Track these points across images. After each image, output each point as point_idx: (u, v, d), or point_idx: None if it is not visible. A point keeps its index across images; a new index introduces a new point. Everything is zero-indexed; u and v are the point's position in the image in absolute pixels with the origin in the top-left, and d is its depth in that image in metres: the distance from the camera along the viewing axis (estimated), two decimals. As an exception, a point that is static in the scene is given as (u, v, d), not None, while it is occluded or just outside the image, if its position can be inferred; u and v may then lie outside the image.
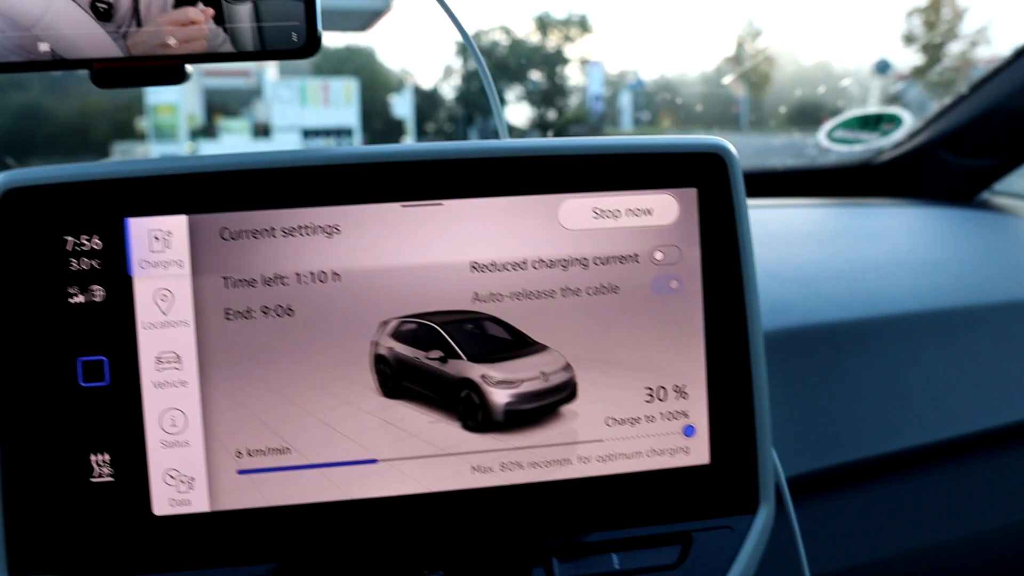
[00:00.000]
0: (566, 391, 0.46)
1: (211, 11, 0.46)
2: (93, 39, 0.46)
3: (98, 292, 0.44)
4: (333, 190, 0.45)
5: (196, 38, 0.47)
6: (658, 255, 0.47)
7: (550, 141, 0.47)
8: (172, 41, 0.47)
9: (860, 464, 0.74)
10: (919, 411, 0.77)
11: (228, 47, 0.47)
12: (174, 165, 0.44)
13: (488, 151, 0.46)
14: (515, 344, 0.46)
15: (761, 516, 0.48)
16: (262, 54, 0.48)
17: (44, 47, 0.46)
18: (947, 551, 0.76)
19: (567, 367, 0.47)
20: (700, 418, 0.48)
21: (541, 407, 0.46)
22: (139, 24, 0.46)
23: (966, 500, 0.77)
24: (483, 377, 0.46)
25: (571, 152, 0.47)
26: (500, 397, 0.46)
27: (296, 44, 0.48)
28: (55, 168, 0.44)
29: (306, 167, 0.45)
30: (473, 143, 0.47)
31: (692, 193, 0.48)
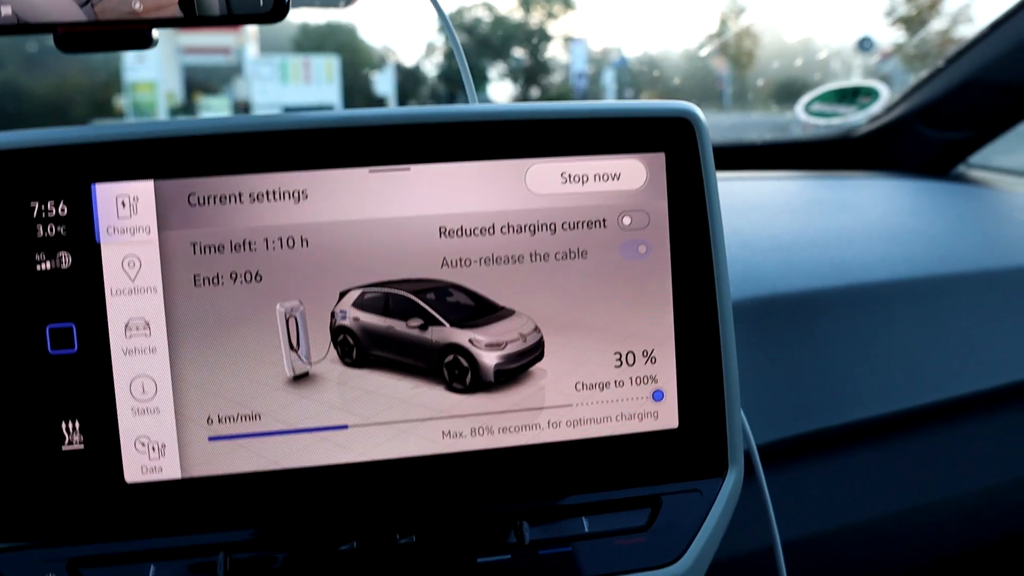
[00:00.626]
0: (539, 349, 0.47)
1: (180, -26, 0.46)
2: (57, 3, 0.46)
3: (65, 259, 0.44)
4: (301, 155, 0.45)
5: (164, 5, 0.47)
6: (626, 220, 0.47)
7: (518, 106, 0.47)
8: (138, 5, 0.46)
9: (831, 431, 0.75)
10: (890, 379, 0.77)
11: (195, 9, 0.47)
12: (140, 130, 0.44)
13: (456, 115, 0.46)
14: (483, 310, 0.47)
15: (730, 479, 0.49)
16: (229, 18, 0.48)
17: (6, 10, 0.46)
18: (916, 516, 0.77)
19: (537, 328, 0.47)
20: (669, 382, 0.48)
21: (523, 365, 0.47)
22: (106, -11, 0.46)
23: (935, 466, 0.78)
24: (471, 341, 0.46)
25: (539, 116, 0.47)
26: (490, 359, 0.47)
27: (263, 8, 0.47)
28: (21, 133, 0.44)
29: (274, 132, 0.45)
30: (441, 108, 0.47)
31: (660, 158, 0.48)
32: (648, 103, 0.48)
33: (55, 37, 0.47)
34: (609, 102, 0.48)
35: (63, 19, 0.46)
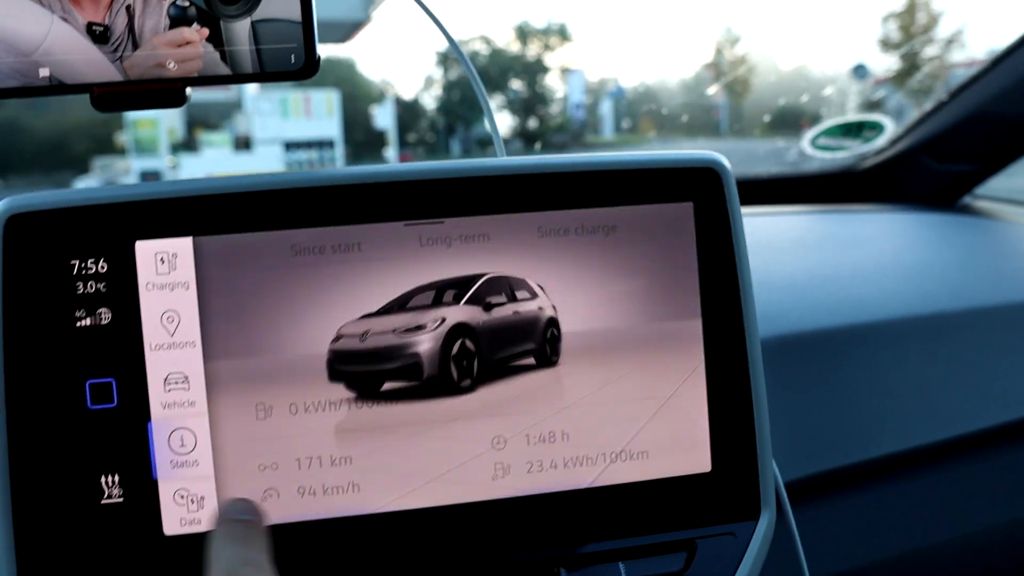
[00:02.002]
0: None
1: (206, 31, 0.47)
2: (92, 63, 0.47)
3: (105, 315, 0.44)
4: (336, 211, 0.46)
5: (191, 58, 0.47)
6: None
7: (547, 159, 0.48)
8: (171, 64, 0.47)
9: (853, 468, 0.75)
10: (909, 415, 0.78)
11: (226, 69, 0.48)
12: (179, 188, 0.45)
13: (487, 170, 0.47)
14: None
15: (763, 521, 0.49)
16: (261, 76, 0.49)
17: (44, 72, 0.46)
18: (940, 552, 0.77)
19: None
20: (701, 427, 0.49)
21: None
22: (135, 46, 0.47)
23: (958, 501, 0.79)
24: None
25: (567, 169, 0.48)
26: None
27: (295, 66, 0.48)
28: (59, 192, 0.44)
29: (311, 188, 0.46)
30: (473, 162, 0.48)
31: (688, 208, 0.49)
32: (676, 153, 0.49)
33: (91, 98, 0.48)
34: (636, 154, 0.49)
35: (99, 79, 0.47)
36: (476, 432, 0.47)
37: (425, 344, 0.48)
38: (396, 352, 0.47)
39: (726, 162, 0.49)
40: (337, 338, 0.46)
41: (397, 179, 0.46)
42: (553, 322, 0.48)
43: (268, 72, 0.48)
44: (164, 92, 0.49)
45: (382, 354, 0.47)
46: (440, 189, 0.47)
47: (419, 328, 0.47)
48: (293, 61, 0.48)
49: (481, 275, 0.47)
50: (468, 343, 0.48)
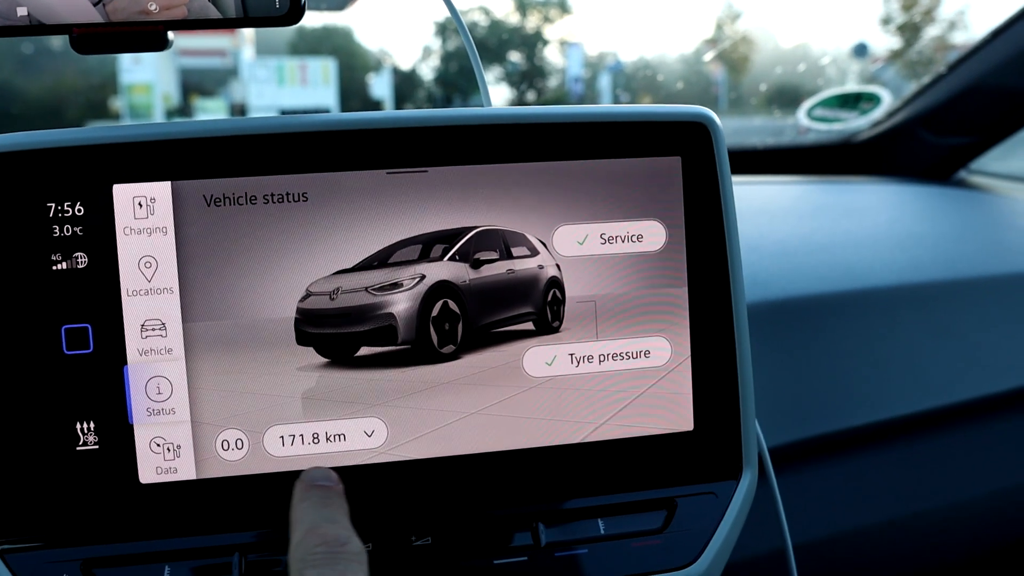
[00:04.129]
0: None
1: (190, -24, 0.46)
2: (72, 4, 0.46)
3: (82, 259, 0.44)
4: (317, 157, 0.45)
5: (176, 4, 0.47)
6: None
7: (535, 109, 0.47)
8: (152, 6, 0.46)
9: (839, 435, 0.75)
10: (897, 383, 0.78)
11: (210, 13, 0.47)
12: (158, 131, 0.44)
13: (473, 119, 0.46)
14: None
15: (744, 481, 0.49)
16: (245, 20, 0.48)
17: (22, 11, 0.45)
18: (924, 520, 0.77)
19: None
20: (684, 385, 0.48)
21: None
22: (118, -11, 0.46)
23: (942, 470, 0.79)
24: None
25: (556, 120, 0.47)
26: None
27: (279, 11, 0.47)
28: (38, 133, 0.44)
29: (289, 134, 0.45)
30: (458, 111, 0.47)
31: (676, 161, 0.48)
32: (664, 107, 0.48)
33: (71, 38, 0.47)
34: (624, 107, 0.48)
35: (78, 20, 0.46)
36: (460, 404, 0.46)
37: (400, 304, 0.45)
38: (368, 312, 0.45)
39: (716, 117, 0.48)
40: (306, 296, 0.44)
41: (379, 126, 0.45)
42: (555, 283, 0.46)
43: (252, 17, 0.47)
44: (145, 35, 0.48)
45: (352, 315, 0.45)
46: (423, 137, 0.46)
47: (395, 286, 0.45)
48: (278, 6, 0.47)
49: (471, 228, 0.46)
50: (452, 304, 0.45)
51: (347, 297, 0.45)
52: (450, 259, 0.45)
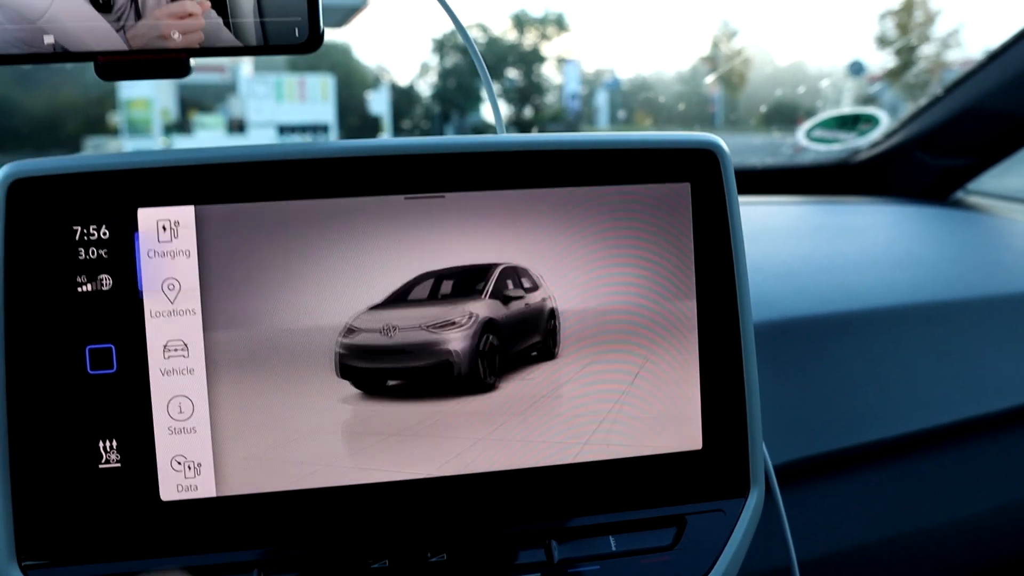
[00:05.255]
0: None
1: (207, 3, 0.47)
2: (95, 32, 0.47)
3: (106, 281, 0.45)
4: (338, 183, 0.46)
5: (193, 30, 0.48)
6: None
7: (548, 137, 0.48)
8: (175, 34, 0.47)
9: (843, 453, 0.76)
10: (899, 402, 0.79)
11: (230, 41, 0.48)
12: (182, 157, 0.45)
13: (489, 146, 0.47)
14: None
15: (752, 499, 0.50)
16: (264, 48, 0.49)
17: (48, 39, 0.46)
18: (926, 537, 0.78)
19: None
20: (693, 404, 0.49)
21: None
22: (138, 16, 0.47)
23: (944, 488, 0.80)
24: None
25: (569, 148, 0.48)
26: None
27: (299, 39, 0.48)
28: (62, 158, 0.45)
29: (314, 160, 0.46)
30: (474, 138, 0.48)
31: (685, 188, 0.49)
32: (674, 134, 0.49)
33: (96, 66, 0.48)
34: (636, 134, 0.49)
35: (103, 48, 0.47)
36: (490, 429, 0.48)
37: (458, 342, 0.47)
38: (426, 349, 0.47)
39: (724, 144, 0.50)
40: (351, 331, 0.46)
41: (399, 153, 0.47)
42: (553, 313, 0.48)
43: (272, 45, 0.49)
44: (167, 62, 0.49)
45: (411, 351, 0.47)
46: (440, 164, 0.47)
47: (451, 324, 0.47)
48: (297, 34, 0.48)
49: (495, 264, 0.47)
50: (493, 339, 0.48)
51: (404, 334, 0.47)
52: (490, 297, 0.47)
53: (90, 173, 0.45)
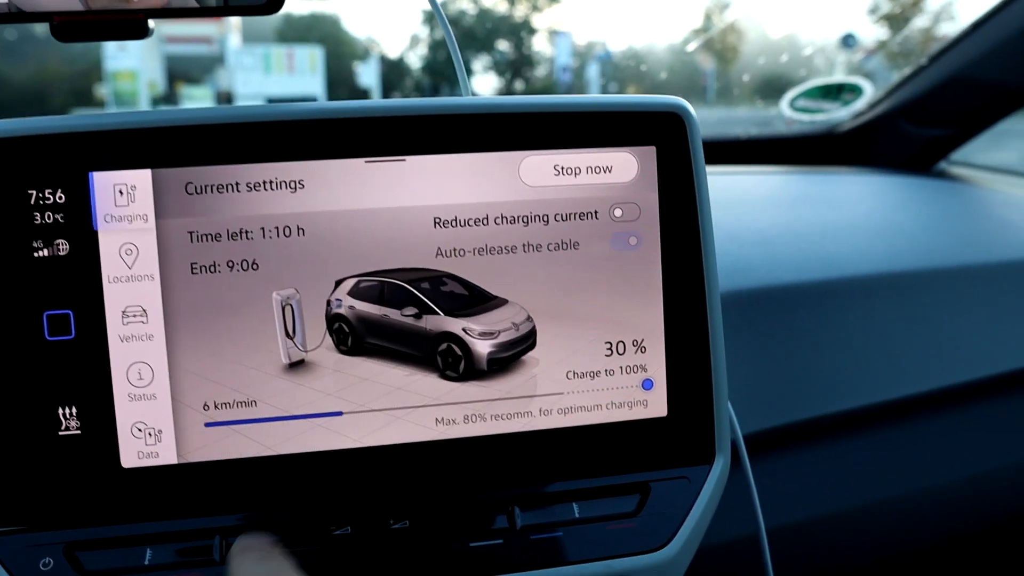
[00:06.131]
0: (532, 338, 0.48)
1: (169, -36, 0.46)
2: (53, -7, 0.46)
3: (63, 246, 0.44)
4: (297, 145, 0.45)
5: (159, -6, 0.47)
6: (617, 212, 0.48)
7: (512, 99, 0.48)
8: (133, -6, 0.47)
9: (814, 422, 0.76)
10: (872, 371, 0.79)
11: (190, 2, 0.47)
12: (138, 119, 0.44)
13: (451, 108, 0.47)
14: (476, 299, 0.47)
15: (717, 467, 0.50)
16: (224, 9, 0.48)
17: (3, -1, 0.46)
18: (898, 505, 0.78)
19: (529, 318, 0.48)
20: (658, 372, 0.49)
21: (515, 354, 0.48)
22: (98, -23, 0.46)
23: (916, 457, 0.80)
24: (465, 330, 0.47)
25: (533, 110, 0.47)
26: (483, 348, 0.47)
27: (259, 1, 0.48)
28: (18, 121, 0.44)
29: (271, 122, 0.45)
30: (436, 100, 0.47)
31: (651, 151, 0.48)
32: (639, 97, 0.49)
33: (51, 26, 0.47)
34: (601, 96, 0.49)
35: (59, 8, 0.46)
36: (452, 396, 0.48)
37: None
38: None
39: (690, 107, 0.49)
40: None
41: (359, 115, 0.46)
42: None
43: (232, 6, 0.48)
44: (126, 23, 0.48)
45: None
46: (401, 126, 0.46)
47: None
48: (258, -5, 0.47)
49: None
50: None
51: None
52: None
53: (43, 136, 0.44)
